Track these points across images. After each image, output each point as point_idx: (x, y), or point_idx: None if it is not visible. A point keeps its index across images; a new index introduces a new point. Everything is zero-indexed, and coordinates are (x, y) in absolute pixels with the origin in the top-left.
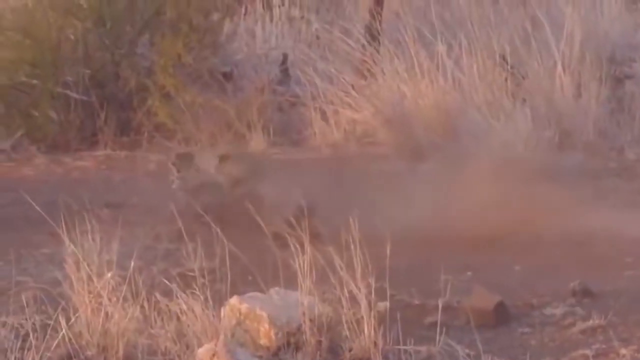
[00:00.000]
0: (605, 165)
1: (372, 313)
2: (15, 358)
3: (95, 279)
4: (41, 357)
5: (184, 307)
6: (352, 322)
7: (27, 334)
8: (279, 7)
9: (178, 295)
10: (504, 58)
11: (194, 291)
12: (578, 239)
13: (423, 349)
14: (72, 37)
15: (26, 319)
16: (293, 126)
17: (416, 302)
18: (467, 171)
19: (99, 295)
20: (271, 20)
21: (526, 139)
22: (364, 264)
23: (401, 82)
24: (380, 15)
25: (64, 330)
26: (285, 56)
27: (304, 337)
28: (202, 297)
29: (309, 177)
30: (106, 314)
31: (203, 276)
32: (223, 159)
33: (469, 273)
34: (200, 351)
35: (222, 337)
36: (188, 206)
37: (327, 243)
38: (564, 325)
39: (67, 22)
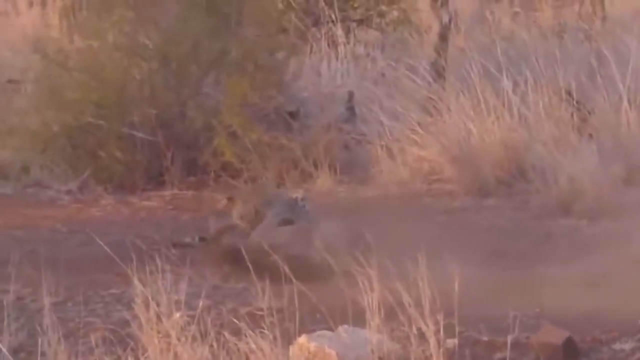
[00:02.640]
0: None
1: (441, 350)
2: None
3: (164, 319)
4: None
5: (253, 346)
6: None
7: None
8: (344, 45)
9: (247, 335)
10: (569, 94)
11: (262, 330)
12: None
13: None
14: (137, 77)
15: None
16: (359, 164)
17: (485, 338)
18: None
19: (168, 335)
20: (337, 58)
21: (593, 175)
22: (432, 301)
23: (467, 119)
24: (446, 52)
25: None
26: (351, 94)
27: None
28: (270, 336)
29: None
30: (175, 354)
31: (271, 315)
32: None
33: (537, 309)
34: None
35: None
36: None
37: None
38: None
39: (133, 63)
